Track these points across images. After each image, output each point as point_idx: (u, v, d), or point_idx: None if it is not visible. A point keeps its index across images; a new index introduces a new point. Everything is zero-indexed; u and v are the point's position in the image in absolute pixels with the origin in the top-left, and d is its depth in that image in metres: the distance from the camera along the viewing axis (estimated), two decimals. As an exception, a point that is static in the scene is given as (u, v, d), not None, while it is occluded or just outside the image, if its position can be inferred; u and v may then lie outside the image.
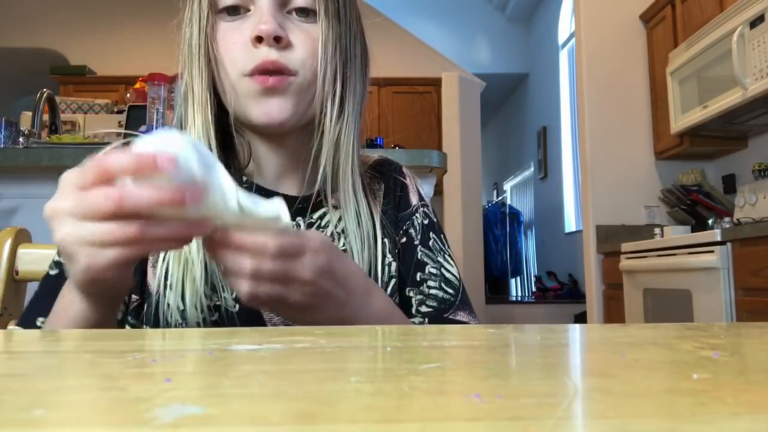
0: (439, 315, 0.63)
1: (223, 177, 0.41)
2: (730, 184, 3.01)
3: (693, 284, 2.33)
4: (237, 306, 0.58)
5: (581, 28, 3.39)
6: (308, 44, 0.58)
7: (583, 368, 0.27)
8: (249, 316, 0.58)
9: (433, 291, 0.64)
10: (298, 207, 0.63)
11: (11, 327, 0.70)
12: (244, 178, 0.64)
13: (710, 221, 2.76)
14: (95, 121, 2.80)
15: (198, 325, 0.56)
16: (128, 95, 2.45)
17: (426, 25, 6.01)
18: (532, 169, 6.46)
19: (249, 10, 0.58)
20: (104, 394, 0.20)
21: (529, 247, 6.66)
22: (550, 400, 0.19)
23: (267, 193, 0.63)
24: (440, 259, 0.66)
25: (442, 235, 0.69)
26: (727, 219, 2.63)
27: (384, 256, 0.64)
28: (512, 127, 7.26)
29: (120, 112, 2.88)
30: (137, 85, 2.40)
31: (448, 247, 0.68)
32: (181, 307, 0.56)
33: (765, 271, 2.01)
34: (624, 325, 0.41)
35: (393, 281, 0.64)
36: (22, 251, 0.74)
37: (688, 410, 0.18)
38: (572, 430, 0.16)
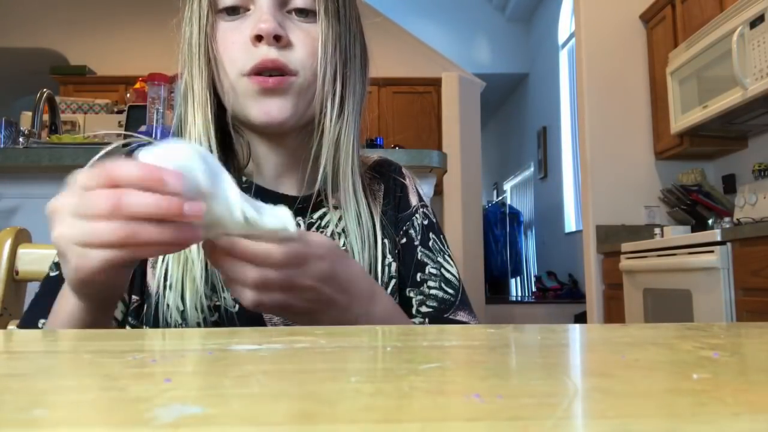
0: (440, 315, 0.63)
1: (229, 188, 0.40)
2: (730, 184, 3.01)
3: (693, 284, 2.33)
4: (237, 306, 0.58)
5: (581, 28, 3.39)
6: (308, 44, 0.58)
7: (583, 368, 0.27)
8: (249, 316, 0.58)
9: (433, 291, 0.64)
10: (298, 207, 0.63)
11: (11, 327, 0.70)
12: (244, 178, 0.64)
13: (710, 221, 2.76)
14: (95, 121, 2.80)
15: (198, 325, 0.56)
16: (128, 95, 2.45)
17: (426, 25, 6.01)
18: (532, 169, 6.46)
19: (248, 10, 0.58)
20: (104, 394, 0.20)
21: (529, 247, 6.66)
22: (550, 400, 0.19)
23: (266, 193, 0.63)
24: (440, 259, 0.66)
25: (441, 236, 0.69)
26: (727, 219, 2.63)
27: (384, 257, 0.64)
28: (512, 127, 7.26)
29: (120, 112, 2.89)
30: (137, 85, 2.40)
31: (448, 247, 0.69)
32: (181, 308, 0.56)
33: (765, 271, 2.01)
34: (624, 325, 0.41)
35: (393, 281, 0.64)
36: (22, 251, 0.74)
37: (688, 410, 0.18)
38: (572, 430, 0.16)
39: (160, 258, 0.58)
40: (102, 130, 2.60)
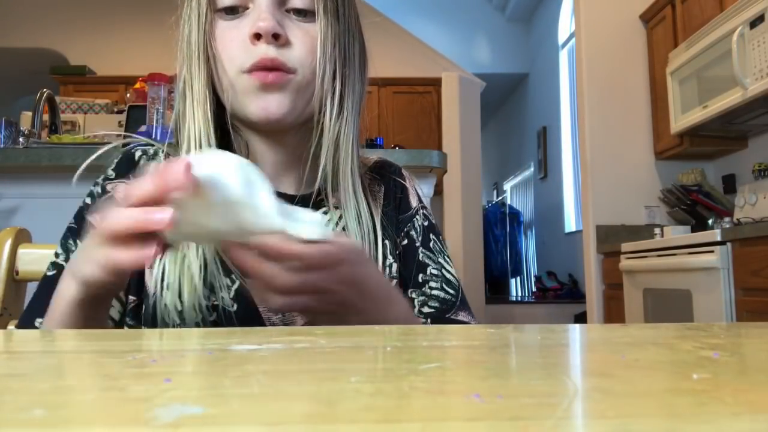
0: (441, 315, 0.63)
1: (263, 198, 0.41)
2: (730, 184, 3.01)
3: (693, 284, 2.33)
4: (235, 306, 0.58)
5: (581, 28, 3.39)
6: (307, 42, 0.58)
7: (583, 368, 0.27)
8: (247, 316, 0.58)
9: (434, 292, 0.64)
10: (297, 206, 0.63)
11: (11, 327, 0.70)
12: None
13: (710, 221, 2.76)
14: (95, 121, 2.80)
15: (196, 325, 0.56)
16: (128, 95, 2.45)
17: (426, 25, 6.01)
18: (532, 169, 6.46)
19: (247, 9, 0.59)
20: (104, 394, 0.20)
21: (529, 247, 6.66)
22: (550, 400, 0.19)
23: None
24: (441, 260, 0.66)
25: (440, 237, 0.69)
26: (727, 219, 2.63)
27: (385, 258, 0.64)
28: (512, 127, 7.26)
29: (120, 112, 2.88)
30: (137, 85, 2.40)
31: (446, 247, 0.69)
32: (179, 308, 0.56)
33: (765, 271, 2.01)
34: (624, 325, 0.41)
35: (394, 282, 0.64)
36: (22, 251, 0.74)
37: (688, 410, 0.18)
38: (572, 430, 0.16)
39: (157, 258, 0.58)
40: (102, 130, 2.60)
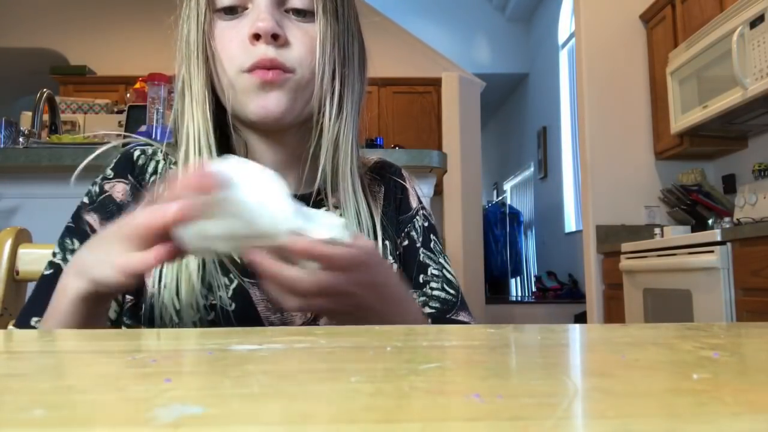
0: (442, 316, 0.63)
1: (280, 201, 0.42)
2: (730, 184, 3.01)
3: (693, 284, 2.33)
4: (233, 305, 0.58)
5: (581, 28, 3.39)
6: (306, 42, 0.58)
7: (583, 368, 0.27)
8: (245, 315, 0.58)
9: (435, 292, 0.64)
10: None
11: (11, 327, 0.70)
12: None
13: (710, 221, 2.76)
14: (95, 121, 2.80)
15: (194, 324, 0.56)
16: (128, 95, 2.45)
17: (426, 25, 6.01)
18: (532, 169, 6.46)
19: (246, 9, 0.58)
20: (104, 394, 0.20)
21: (529, 247, 6.65)
22: (550, 400, 0.19)
23: None
24: (441, 260, 0.67)
25: (439, 237, 0.69)
26: (727, 219, 2.63)
27: (385, 258, 0.64)
28: (512, 127, 7.26)
29: (120, 112, 2.88)
30: (137, 85, 2.40)
31: (443, 248, 0.69)
32: (177, 307, 0.56)
33: (765, 271, 2.01)
34: (624, 325, 0.41)
35: None
36: (22, 251, 0.74)
37: (688, 410, 0.18)
38: (572, 430, 0.16)
39: None
40: (102, 130, 2.60)
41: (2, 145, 1.79)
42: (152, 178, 0.63)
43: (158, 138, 1.51)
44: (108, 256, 0.43)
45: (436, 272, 0.65)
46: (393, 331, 0.36)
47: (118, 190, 0.61)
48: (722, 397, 0.19)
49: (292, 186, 0.65)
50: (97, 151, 0.63)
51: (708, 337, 0.34)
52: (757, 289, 2.05)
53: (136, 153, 0.64)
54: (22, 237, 0.76)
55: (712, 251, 2.22)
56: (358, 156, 0.65)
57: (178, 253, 0.43)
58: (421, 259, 0.66)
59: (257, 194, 0.42)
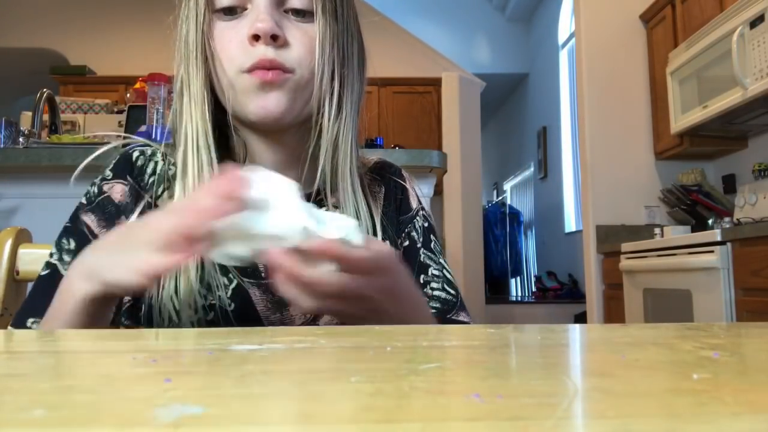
0: (443, 316, 0.63)
1: (290, 202, 0.43)
2: (730, 184, 3.01)
3: (693, 284, 2.33)
4: (232, 305, 0.58)
5: (581, 28, 3.39)
6: (305, 43, 0.58)
7: (583, 368, 0.27)
8: (245, 315, 0.58)
9: (436, 292, 0.64)
10: None
11: (11, 327, 0.70)
12: None
13: (710, 221, 2.76)
14: (95, 121, 2.80)
15: (192, 324, 0.56)
16: (128, 95, 2.45)
17: (426, 25, 6.01)
18: (532, 169, 6.46)
19: (246, 9, 0.58)
20: (104, 394, 0.20)
21: (529, 247, 6.65)
22: (550, 400, 0.19)
23: None
24: (441, 261, 0.67)
25: (438, 238, 0.69)
26: (727, 219, 2.63)
27: None
28: (512, 127, 7.26)
29: (120, 112, 2.88)
30: (137, 85, 2.40)
31: (443, 248, 0.69)
32: (176, 307, 0.56)
33: (765, 271, 2.01)
34: (624, 325, 0.41)
35: None
36: (23, 251, 0.74)
37: (688, 410, 0.18)
38: (572, 430, 0.16)
39: None
40: (102, 130, 2.60)
41: (2, 145, 1.79)
42: (151, 179, 0.62)
43: (158, 138, 1.51)
44: (126, 259, 0.44)
45: (436, 272, 0.65)
46: (393, 331, 0.36)
47: (117, 191, 0.61)
48: (722, 397, 0.19)
49: None
50: (97, 152, 0.63)
51: (708, 337, 0.34)
52: (757, 289, 2.05)
53: (135, 154, 0.64)
54: (22, 237, 0.76)
55: (712, 251, 2.22)
56: (358, 156, 0.65)
57: (200, 255, 0.43)
58: (421, 259, 0.66)
59: (272, 196, 0.43)
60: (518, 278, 6.57)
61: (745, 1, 2.37)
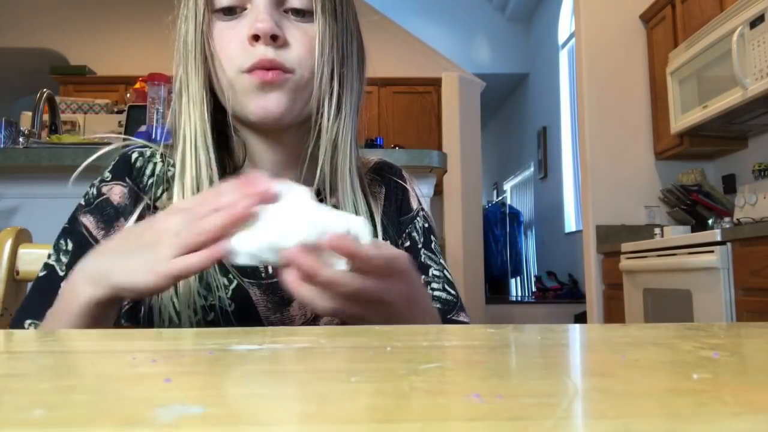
0: (443, 316, 0.63)
1: (299, 202, 0.44)
2: (730, 184, 3.01)
3: (693, 284, 2.33)
4: (232, 305, 0.58)
5: (581, 28, 3.39)
6: (305, 42, 0.58)
7: (583, 368, 0.27)
8: (245, 315, 0.58)
9: (437, 293, 0.64)
10: None
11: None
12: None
13: (710, 221, 2.76)
14: (95, 121, 2.80)
15: (192, 325, 0.56)
16: (128, 95, 2.45)
17: (426, 25, 6.01)
18: (532, 169, 6.46)
19: (245, 9, 0.58)
20: (104, 394, 0.20)
21: (529, 247, 6.65)
22: (550, 400, 0.19)
23: None
24: (441, 261, 0.67)
25: (437, 238, 0.69)
26: (727, 219, 2.63)
27: None
28: (512, 127, 7.26)
29: (120, 112, 2.88)
30: (137, 85, 2.40)
31: (443, 248, 0.70)
32: (177, 308, 0.56)
33: (765, 271, 2.01)
34: (624, 325, 0.41)
35: None
36: (23, 251, 0.74)
37: (688, 410, 0.18)
38: (572, 430, 0.16)
39: None
40: (102, 130, 2.60)
41: (2, 145, 1.79)
42: (150, 181, 0.62)
43: (158, 138, 1.51)
44: (141, 261, 0.44)
45: (437, 273, 0.65)
46: (393, 331, 0.36)
47: (116, 192, 0.61)
48: (722, 397, 0.19)
49: None
50: (97, 153, 0.63)
51: (708, 337, 0.34)
52: (757, 289, 2.05)
53: (134, 155, 0.64)
54: (22, 237, 0.76)
55: (712, 251, 2.22)
56: (358, 156, 0.65)
57: (222, 258, 0.43)
58: (422, 260, 0.66)
59: (283, 198, 0.44)
60: (518, 278, 6.57)
61: (745, 1, 2.36)
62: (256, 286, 0.59)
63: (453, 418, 0.17)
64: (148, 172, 0.63)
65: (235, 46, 0.57)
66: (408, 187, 0.71)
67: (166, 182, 0.62)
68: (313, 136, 0.60)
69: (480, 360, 0.28)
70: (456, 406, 0.18)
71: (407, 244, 0.67)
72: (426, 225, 0.69)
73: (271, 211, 0.43)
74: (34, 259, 0.74)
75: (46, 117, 2.04)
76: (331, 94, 0.60)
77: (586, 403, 0.19)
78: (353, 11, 0.64)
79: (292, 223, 0.43)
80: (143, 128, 1.78)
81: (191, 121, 0.58)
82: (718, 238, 2.21)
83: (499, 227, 6.21)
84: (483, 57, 6.53)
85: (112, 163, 0.64)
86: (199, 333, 0.40)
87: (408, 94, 4.74)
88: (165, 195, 0.61)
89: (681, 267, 2.39)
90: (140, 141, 0.67)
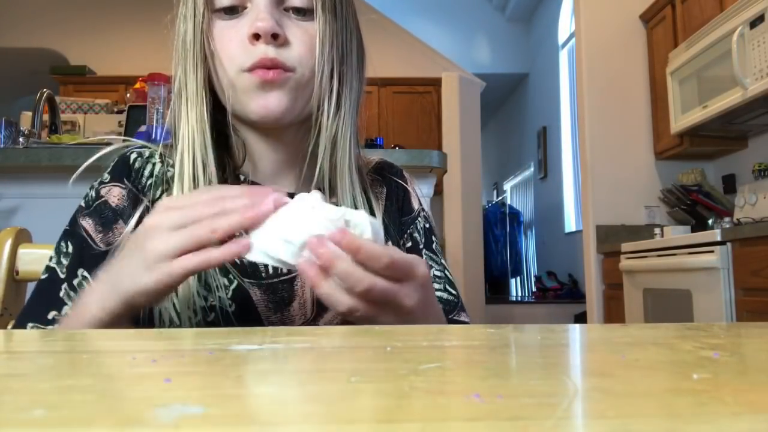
0: (445, 316, 0.63)
1: (318, 203, 0.45)
2: (730, 184, 3.01)
3: (693, 284, 2.33)
4: (233, 306, 0.58)
5: (581, 28, 3.39)
6: (305, 41, 0.58)
7: (583, 368, 0.27)
8: (245, 316, 0.58)
9: (438, 293, 0.64)
10: None
11: (11, 328, 0.70)
12: (242, 177, 0.64)
13: (710, 221, 2.76)
14: (95, 121, 2.80)
15: (192, 325, 0.56)
16: (128, 95, 2.45)
17: (426, 24, 6.01)
18: (532, 169, 6.46)
19: (246, 8, 0.58)
20: (104, 394, 0.20)
21: (529, 247, 6.65)
22: (550, 400, 0.19)
23: None
24: (442, 261, 0.67)
25: (438, 239, 0.69)
26: (727, 219, 2.63)
27: None
28: (512, 127, 7.26)
29: (120, 112, 2.88)
30: (137, 85, 2.40)
31: (443, 248, 0.70)
32: (177, 308, 0.56)
33: (765, 271, 2.01)
34: (624, 325, 0.41)
35: None
36: (22, 251, 0.74)
37: (688, 410, 0.17)
38: (572, 430, 0.16)
39: None
40: (102, 130, 2.60)
41: (2, 145, 1.79)
42: (149, 182, 0.62)
43: (158, 138, 1.51)
44: (145, 263, 0.44)
45: (438, 273, 0.65)
46: (393, 331, 0.36)
47: (114, 194, 0.61)
48: (722, 397, 0.19)
49: (292, 184, 0.65)
50: (98, 154, 0.63)
51: (708, 337, 0.34)
52: (757, 289, 2.05)
53: (133, 156, 0.64)
54: (22, 237, 0.76)
55: (712, 251, 2.22)
56: (358, 154, 0.65)
57: (241, 253, 0.43)
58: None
59: (299, 197, 0.45)
60: (518, 278, 6.58)
61: (745, 1, 2.37)
62: (256, 286, 0.59)
63: (453, 418, 0.17)
64: (146, 172, 0.63)
65: (235, 45, 0.57)
66: (409, 187, 0.71)
67: (166, 183, 0.62)
68: (313, 134, 0.60)
69: (480, 360, 0.28)
70: (456, 406, 0.18)
71: (409, 244, 0.67)
72: (427, 225, 0.69)
73: (284, 210, 0.44)
74: (33, 259, 0.74)
75: (46, 117, 2.04)
76: (331, 93, 0.60)
77: (586, 403, 0.19)
78: (353, 9, 0.64)
79: (307, 220, 0.43)
80: (143, 128, 1.78)
81: (190, 120, 0.58)
82: (718, 238, 2.21)
83: (499, 227, 6.21)
84: (483, 57, 6.53)
85: (111, 164, 0.64)
86: (199, 333, 0.40)
87: (408, 94, 4.74)
88: (164, 195, 0.61)
89: (681, 267, 2.39)
90: (139, 141, 0.66)
